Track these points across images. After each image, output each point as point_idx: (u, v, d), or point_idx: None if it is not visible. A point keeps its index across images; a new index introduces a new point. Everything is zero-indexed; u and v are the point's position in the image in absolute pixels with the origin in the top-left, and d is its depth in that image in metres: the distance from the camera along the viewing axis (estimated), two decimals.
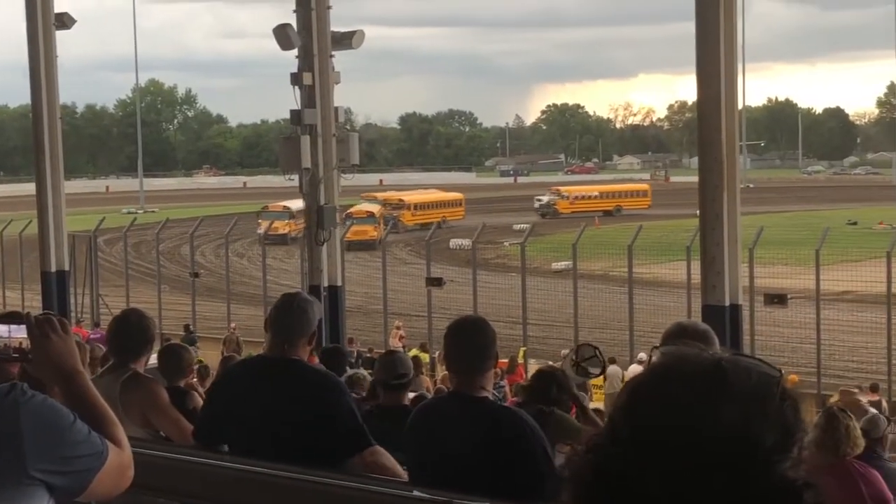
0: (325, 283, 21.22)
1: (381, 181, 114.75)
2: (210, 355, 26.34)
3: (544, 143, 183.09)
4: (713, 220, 15.77)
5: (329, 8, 21.07)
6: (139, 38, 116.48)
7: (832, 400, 17.54)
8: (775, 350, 28.79)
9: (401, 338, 30.39)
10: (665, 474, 1.53)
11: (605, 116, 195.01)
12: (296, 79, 20.93)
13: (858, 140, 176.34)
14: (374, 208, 62.88)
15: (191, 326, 32.19)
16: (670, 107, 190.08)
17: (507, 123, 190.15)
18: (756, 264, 27.38)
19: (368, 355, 24.34)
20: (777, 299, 26.42)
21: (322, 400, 5.46)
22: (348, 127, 24.12)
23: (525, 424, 4.79)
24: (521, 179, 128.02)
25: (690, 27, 15.90)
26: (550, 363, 16.10)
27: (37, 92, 22.94)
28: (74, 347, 3.16)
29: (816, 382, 25.99)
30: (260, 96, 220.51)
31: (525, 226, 45.78)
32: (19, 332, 3.16)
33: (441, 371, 25.54)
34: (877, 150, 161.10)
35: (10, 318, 3.23)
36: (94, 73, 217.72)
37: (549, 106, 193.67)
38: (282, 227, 53.11)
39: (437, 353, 27.87)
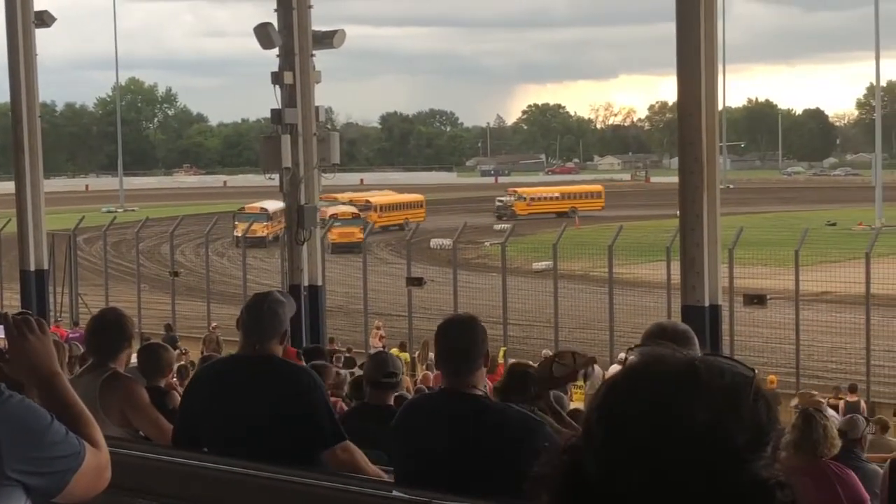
0: (306, 283, 21.20)
1: (361, 181, 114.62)
2: (190, 354, 26.29)
3: (525, 144, 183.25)
4: (693, 220, 15.81)
5: (310, 7, 21.05)
6: (119, 36, 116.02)
7: (792, 403, 17.67)
8: (754, 350, 28.87)
9: (381, 337, 30.36)
10: (638, 474, 1.54)
11: (586, 117, 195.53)
12: (276, 78, 20.90)
13: (838, 141, 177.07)
14: (417, 212, 62.61)
15: (171, 325, 32.08)
16: (651, 107, 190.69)
17: (488, 123, 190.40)
18: (736, 265, 27.46)
19: (348, 355, 24.31)
20: (756, 300, 26.49)
21: (296, 394, 5.49)
22: (329, 126, 24.13)
23: (514, 422, 4.78)
24: (501, 179, 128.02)
25: (671, 28, 15.93)
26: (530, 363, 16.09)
27: (16, 90, 22.85)
28: (52, 348, 3.14)
29: (795, 383, 26.07)
30: (240, 95, 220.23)
31: (506, 226, 45.83)
32: None
33: (421, 371, 25.55)
34: (856, 151, 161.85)
35: None
36: (74, 72, 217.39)
37: (530, 106, 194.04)
38: (260, 229, 52.47)
39: (417, 352, 27.87)
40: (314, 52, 21.10)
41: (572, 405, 19.25)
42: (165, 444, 5.94)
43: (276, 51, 20.85)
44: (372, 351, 23.63)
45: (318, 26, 21.30)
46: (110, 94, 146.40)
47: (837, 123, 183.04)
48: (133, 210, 79.15)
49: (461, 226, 34.93)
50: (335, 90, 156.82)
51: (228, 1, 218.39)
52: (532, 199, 77.47)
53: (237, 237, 46.07)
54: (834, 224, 59.46)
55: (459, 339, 4.90)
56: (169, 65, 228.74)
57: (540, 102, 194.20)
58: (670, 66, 16.19)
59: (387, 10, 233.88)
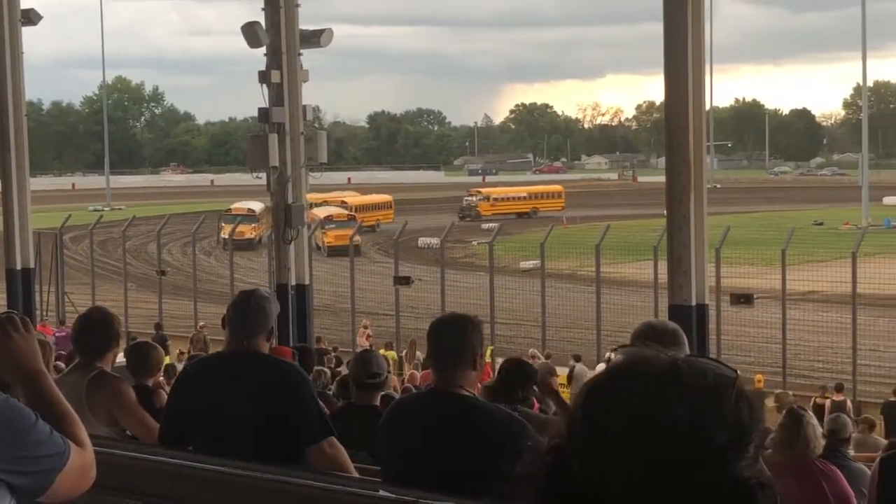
0: (293, 282, 21.17)
1: (349, 179, 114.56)
2: (176, 353, 26.25)
3: (513, 143, 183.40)
4: (680, 220, 15.83)
5: (298, 6, 21.02)
6: (106, 35, 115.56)
7: (770, 404, 17.74)
8: (741, 350, 28.95)
9: (368, 336, 30.35)
10: (621, 474, 1.54)
11: (574, 116, 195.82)
12: (264, 77, 20.87)
13: (825, 141, 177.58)
14: (385, 213, 62.10)
15: (161, 325, 32.01)
16: (638, 107, 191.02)
17: (475, 123, 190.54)
18: (723, 264, 27.51)
19: (335, 354, 24.30)
20: (743, 299, 26.53)
21: (284, 390, 5.48)
22: (316, 125, 24.11)
23: (500, 423, 4.77)
24: (489, 178, 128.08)
25: (658, 28, 15.94)
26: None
27: (2, 88, 22.75)
28: (37, 347, 3.13)
29: (782, 382, 26.13)
30: (228, 94, 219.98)
31: (493, 225, 45.79)
32: None
33: (408, 370, 25.55)
34: (843, 151, 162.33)
35: None
36: (60, 70, 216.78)
37: (517, 105, 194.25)
38: (248, 231, 51.01)
39: (404, 351, 27.87)
40: (302, 50, 21.07)
41: None
42: (152, 443, 5.93)
43: (263, 49, 20.82)
44: (358, 350, 23.61)
45: (305, 25, 21.29)
46: (97, 92, 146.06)
47: (824, 123, 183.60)
48: (120, 209, 79.00)
49: (448, 225, 34.93)
50: (323, 89, 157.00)
51: None
52: (495, 199, 77.42)
53: (224, 239, 45.12)
54: (821, 224, 59.62)
55: (449, 339, 4.89)
56: (156, 63, 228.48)
57: (527, 102, 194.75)
58: (657, 66, 16.21)
59: (374, 9, 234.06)
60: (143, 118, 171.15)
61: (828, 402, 20.80)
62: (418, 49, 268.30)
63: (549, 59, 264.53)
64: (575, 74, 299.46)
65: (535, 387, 7.90)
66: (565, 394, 24.34)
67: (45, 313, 31.38)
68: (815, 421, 7.72)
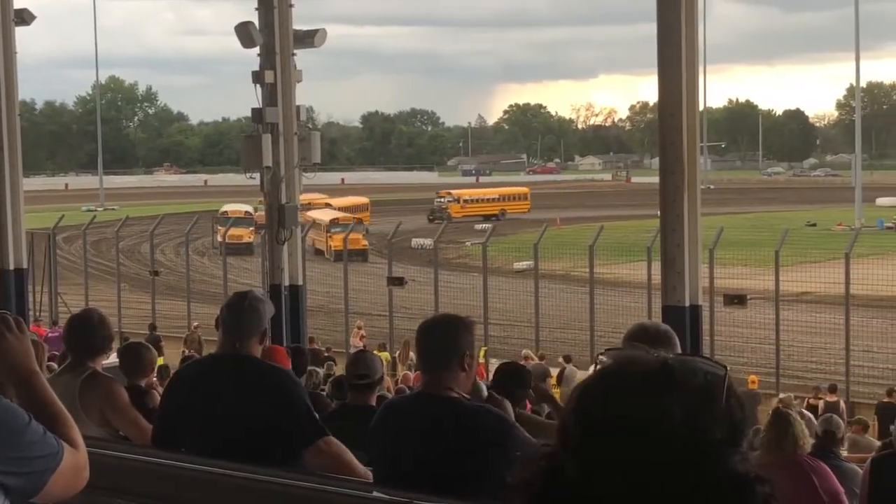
0: (286, 283, 21.16)
1: (342, 180, 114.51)
2: (171, 354, 26.25)
3: (506, 143, 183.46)
4: (674, 220, 15.84)
5: (291, 6, 21.01)
6: (99, 34, 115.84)
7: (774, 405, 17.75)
8: (735, 350, 28.96)
9: (362, 337, 30.35)
10: (617, 475, 1.54)
11: (567, 117, 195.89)
12: (257, 77, 20.86)
13: (818, 142, 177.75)
14: (362, 214, 61.46)
15: (155, 325, 31.98)
16: (632, 107, 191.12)
17: (469, 123, 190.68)
18: (716, 265, 27.55)
19: (327, 355, 24.30)
20: (737, 300, 26.56)
21: (277, 393, 5.47)
22: (310, 125, 24.21)
23: (488, 425, 4.76)
24: (482, 179, 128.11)
25: (652, 28, 15.95)
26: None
27: None
28: (30, 347, 3.13)
29: (775, 383, 26.16)
30: (221, 94, 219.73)
31: (487, 226, 45.84)
32: None
33: (402, 371, 25.54)
34: (836, 151, 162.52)
35: None
36: (54, 70, 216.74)
37: (511, 106, 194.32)
38: (246, 234, 49.43)
39: (398, 352, 27.86)
40: (295, 51, 21.06)
41: None
42: (144, 444, 5.92)
43: (256, 50, 20.80)
44: (352, 350, 23.61)
45: (299, 25, 21.28)
46: (90, 92, 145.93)
47: (817, 124, 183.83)
48: (113, 209, 78.90)
49: (442, 227, 34.91)
50: (316, 89, 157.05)
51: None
52: (465, 201, 77.01)
53: (221, 243, 43.91)
54: (814, 224, 59.68)
55: (437, 340, 4.87)
56: (149, 63, 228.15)
57: (521, 102, 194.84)
58: (651, 67, 16.25)
59: (368, 9, 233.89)
60: (136, 118, 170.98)
61: (821, 403, 20.83)
62: (412, 49, 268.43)
63: (543, 60, 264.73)
64: (568, 75, 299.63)
65: (530, 390, 7.90)
66: (556, 394, 24.44)
67: (38, 314, 31.35)
68: (801, 420, 7.79)
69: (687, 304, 15.83)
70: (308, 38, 21.29)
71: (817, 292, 32.91)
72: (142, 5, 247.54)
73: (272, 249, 21.47)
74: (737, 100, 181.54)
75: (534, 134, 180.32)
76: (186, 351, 25.64)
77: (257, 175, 21.11)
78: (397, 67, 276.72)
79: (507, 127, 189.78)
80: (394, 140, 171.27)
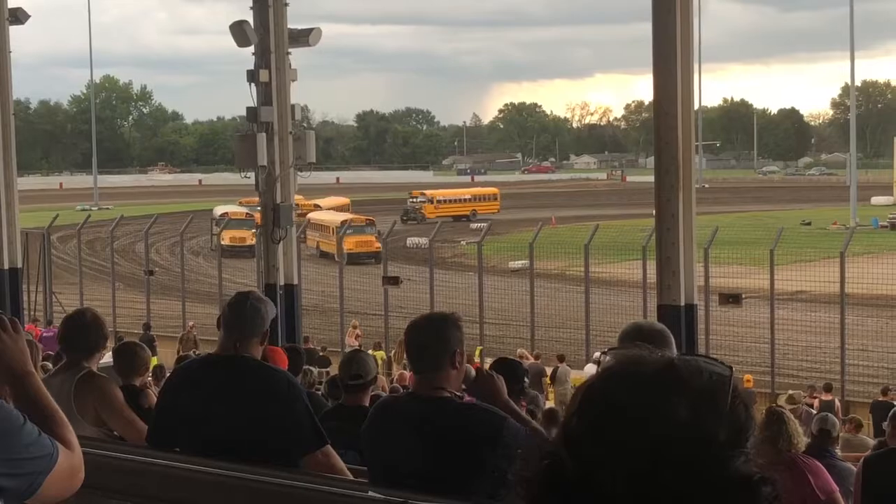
0: (282, 282, 21.14)
1: (337, 179, 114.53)
2: (165, 353, 26.20)
3: (502, 142, 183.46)
4: (669, 219, 15.84)
5: (286, 5, 20.99)
6: (94, 33, 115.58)
7: (782, 403, 17.75)
8: (730, 349, 28.97)
9: (357, 336, 30.34)
10: (623, 473, 1.54)
11: (562, 116, 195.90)
12: (252, 76, 20.84)
13: (813, 141, 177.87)
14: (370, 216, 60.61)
15: (149, 325, 31.92)
16: (627, 106, 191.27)
17: (464, 122, 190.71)
18: (711, 264, 27.55)
19: (321, 354, 24.31)
20: (732, 299, 26.58)
21: (277, 398, 5.44)
22: (305, 125, 24.15)
23: (480, 420, 4.74)
24: (477, 178, 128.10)
25: (647, 28, 15.96)
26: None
27: None
28: (25, 348, 3.11)
29: (770, 382, 26.17)
30: (216, 93, 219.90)
31: (482, 225, 45.82)
32: None
33: (397, 370, 25.54)
34: (831, 150, 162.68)
35: None
36: (48, 69, 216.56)
37: (506, 105, 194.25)
38: (249, 236, 46.48)
39: (393, 351, 27.85)
40: (290, 50, 21.04)
41: (548, 404, 19.31)
42: (140, 444, 5.90)
43: (251, 49, 20.78)
44: (347, 350, 23.61)
45: (294, 24, 21.26)
46: (85, 91, 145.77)
47: (812, 123, 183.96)
48: (108, 208, 78.85)
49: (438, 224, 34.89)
50: (311, 88, 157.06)
51: None
52: (439, 201, 76.49)
53: (223, 246, 42.38)
54: (809, 223, 59.76)
55: (424, 340, 4.84)
56: (144, 62, 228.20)
57: (516, 101, 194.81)
58: (646, 66, 16.22)
59: (363, 8, 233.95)
60: (130, 117, 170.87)
61: (816, 402, 20.82)
62: (407, 48, 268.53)
63: (538, 59, 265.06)
64: (564, 74, 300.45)
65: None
66: (551, 394, 24.41)
67: (33, 313, 31.31)
68: (794, 420, 7.82)
69: (682, 303, 15.84)
70: (303, 37, 21.27)
71: (812, 291, 32.95)
72: (136, 4, 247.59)
73: (267, 248, 21.46)
74: (732, 99, 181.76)
75: (529, 133, 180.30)
76: (181, 350, 25.59)
77: (252, 174, 21.09)
78: (392, 66, 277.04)
79: (502, 126, 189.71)
80: (389, 139, 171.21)
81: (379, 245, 45.51)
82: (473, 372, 5.01)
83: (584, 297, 29.45)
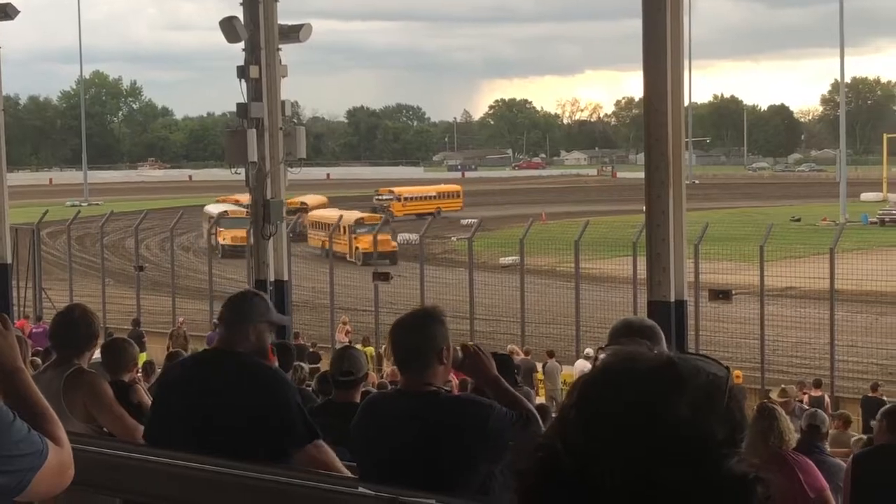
0: (272, 278, 21.12)
1: (328, 175, 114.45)
2: (155, 349, 26.19)
3: (492, 138, 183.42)
4: (659, 216, 15.86)
5: (276, 1, 20.97)
6: (84, 29, 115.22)
7: (774, 398, 17.78)
8: (720, 345, 29.01)
9: (347, 332, 30.33)
10: (619, 468, 1.54)
11: (553, 112, 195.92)
12: (242, 72, 20.82)
13: (803, 137, 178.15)
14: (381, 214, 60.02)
15: (139, 321, 31.86)
16: (617, 103, 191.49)
17: (455, 118, 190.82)
18: (701, 260, 27.57)
19: (311, 350, 24.28)
20: (722, 295, 26.59)
21: (266, 393, 5.45)
22: (295, 120, 24.11)
23: (467, 410, 4.74)
24: (468, 174, 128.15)
25: (637, 24, 15.97)
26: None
27: None
28: (15, 344, 3.11)
29: (760, 378, 26.21)
30: (206, 89, 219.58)
31: (474, 220, 45.78)
32: None
33: (388, 366, 25.53)
34: (821, 147, 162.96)
35: None
36: (37, 65, 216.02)
37: (496, 101, 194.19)
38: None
39: (384, 347, 27.83)
40: (280, 46, 21.02)
41: (538, 400, 19.33)
42: (130, 441, 5.90)
43: (241, 45, 20.76)
44: (337, 346, 23.60)
45: (284, 20, 21.24)
46: (74, 87, 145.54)
47: (802, 119, 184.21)
48: (97, 204, 78.66)
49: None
50: (301, 84, 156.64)
51: None
52: (406, 199, 75.89)
53: (224, 246, 41.57)
54: (798, 220, 59.86)
55: (410, 337, 4.84)
56: (134, 58, 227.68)
57: (507, 97, 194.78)
58: (636, 62, 16.23)
59: (353, 4, 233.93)
60: (120, 113, 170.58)
61: (806, 398, 20.85)
62: (397, 44, 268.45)
63: (528, 55, 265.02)
64: (554, 70, 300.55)
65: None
66: (541, 389, 24.43)
67: (22, 309, 31.24)
68: (785, 416, 7.83)
69: (672, 299, 15.86)
70: (293, 33, 21.26)
71: (802, 287, 32.98)
72: (126, 0, 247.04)
73: (257, 244, 21.45)
74: (722, 95, 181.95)
75: (519, 129, 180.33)
76: (171, 346, 25.55)
77: (242, 170, 21.08)
78: (383, 62, 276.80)
79: (492, 122, 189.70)
80: (379, 135, 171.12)
81: (395, 244, 44.83)
82: (461, 354, 5.01)
83: (574, 293, 29.47)
